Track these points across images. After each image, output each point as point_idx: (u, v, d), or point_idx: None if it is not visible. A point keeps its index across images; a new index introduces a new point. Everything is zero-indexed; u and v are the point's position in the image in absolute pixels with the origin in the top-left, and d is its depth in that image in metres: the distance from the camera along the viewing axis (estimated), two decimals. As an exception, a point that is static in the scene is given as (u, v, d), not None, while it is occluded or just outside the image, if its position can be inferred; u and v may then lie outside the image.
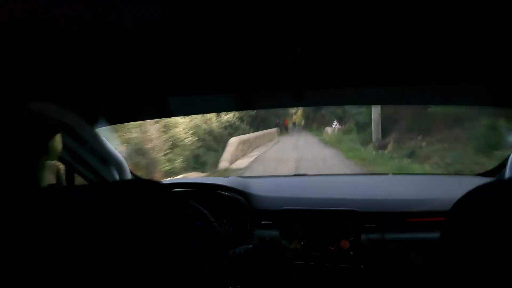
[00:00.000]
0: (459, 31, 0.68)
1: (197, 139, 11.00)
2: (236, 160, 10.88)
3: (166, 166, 8.47)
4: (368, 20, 0.63)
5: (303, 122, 40.23)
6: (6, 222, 0.41)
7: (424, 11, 0.59)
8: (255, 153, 13.09)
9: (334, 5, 0.56)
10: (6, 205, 0.43)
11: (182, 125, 10.20)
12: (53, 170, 1.29)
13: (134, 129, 7.56)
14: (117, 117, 1.37)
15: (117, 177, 1.44)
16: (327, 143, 15.58)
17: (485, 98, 1.25)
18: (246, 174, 7.55)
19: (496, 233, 0.45)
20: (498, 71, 0.92)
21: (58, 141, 0.65)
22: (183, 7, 0.55)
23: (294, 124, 37.73)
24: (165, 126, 9.20)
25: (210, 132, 13.26)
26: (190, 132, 10.59)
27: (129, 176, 1.53)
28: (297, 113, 42.04)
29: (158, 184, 0.47)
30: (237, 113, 15.94)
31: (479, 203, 0.50)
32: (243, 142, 13.01)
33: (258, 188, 1.54)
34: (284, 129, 28.20)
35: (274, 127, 24.86)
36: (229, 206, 1.42)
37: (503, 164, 1.47)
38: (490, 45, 0.75)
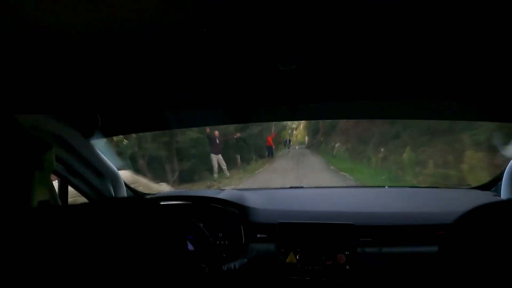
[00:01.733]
0: (460, 43, 0.69)
1: None
2: None
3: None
4: (366, 35, 0.64)
5: (306, 139, 23.87)
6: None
7: (423, 25, 0.60)
8: None
9: (330, 18, 0.57)
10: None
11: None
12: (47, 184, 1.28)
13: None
14: (112, 130, 1.37)
15: (111, 190, 1.43)
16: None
17: (485, 113, 1.26)
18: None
19: (499, 252, 0.45)
20: (498, 87, 0.93)
21: (52, 156, 0.65)
22: (180, 20, 0.56)
23: (287, 142, 20.50)
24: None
25: None
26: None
27: (124, 189, 1.52)
28: (298, 127, 25.57)
29: (149, 200, 0.47)
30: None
31: (484, 221, 0.49)
32: None
33: (253, 201, 1.53)
34: (268, 153, 14.46)
35: (213, 153, 9.39)
36: (224, 220, 1.40)
37: (498, 178, 1.47)
38: (489, 58, 0.77)
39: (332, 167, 10.32)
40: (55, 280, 0.38)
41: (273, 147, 15.22)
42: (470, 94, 1.01)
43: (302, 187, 1.96)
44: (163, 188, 5.70)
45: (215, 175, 9.40)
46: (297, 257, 1.27)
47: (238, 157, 11.71)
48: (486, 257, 0.45)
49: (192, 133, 9.51)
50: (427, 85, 0.96)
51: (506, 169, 1.35)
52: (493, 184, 1.54)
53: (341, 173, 8.94)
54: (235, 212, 1.41)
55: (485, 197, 1.47)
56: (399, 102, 1.16)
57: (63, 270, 0.39)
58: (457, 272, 0.48)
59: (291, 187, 2.00)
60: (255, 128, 13.34)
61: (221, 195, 1.49)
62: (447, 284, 0.50)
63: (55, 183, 1.33)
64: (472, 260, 0.47)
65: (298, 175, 8.94)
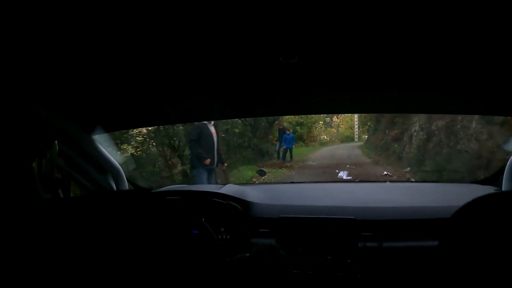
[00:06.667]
0: (457, 39, 0.69)
1: None
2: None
3: None
4: (365, 27, 0.64)
5: (356, 132, 12.55)
6: (5, 231, 0.41)
7: (419, 17, 0.60)
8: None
9: (330, 11, 0.57)
10: (5, 214, 0.43)
11: None
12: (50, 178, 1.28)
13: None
14: (114, 125, 1.37)
15: (113, 185, 1.43)
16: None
17: (484, 107, 1.26)
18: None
19: (497, 243, 0.45)
20: (497, 81, 0.92)
21: (55, 148, 0.65)
22: (183, 15, 0.55)
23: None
24: None
25: None
26: None
27: (126, 184, 1.52)
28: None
29: (153, 194, 0.47)
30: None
31: (482, 213, 0.50)
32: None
33: (255, 195, 1.53)
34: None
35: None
36: (226, 214, 1.41)
37: (500, 172, 1.47)
38: (487, 52, 0.76)
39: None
40: (57, 269, 0.39)
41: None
42: (470, 88, 1.01)
43: (304, 182, 1.97)
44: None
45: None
46: (299, 252, 1.28)
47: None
48: (487, 248, 0.46)
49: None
50: (430, 79, 0.95)
51: (508, 163, 1.35)
52: (495, 179, 1.54)
53: None
54: (237, 207, 1.41)
55: (486, 192, 1.46)
56: (402, 95, 1.15)
57: (69, 261, 0.39)
58: (458, 265, 0.48)
59: (292, 182, 2.00)
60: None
61: (222, 190, 1.49)
62: (448, 278, 0.50)
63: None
64: (473, 253, 0.47)
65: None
